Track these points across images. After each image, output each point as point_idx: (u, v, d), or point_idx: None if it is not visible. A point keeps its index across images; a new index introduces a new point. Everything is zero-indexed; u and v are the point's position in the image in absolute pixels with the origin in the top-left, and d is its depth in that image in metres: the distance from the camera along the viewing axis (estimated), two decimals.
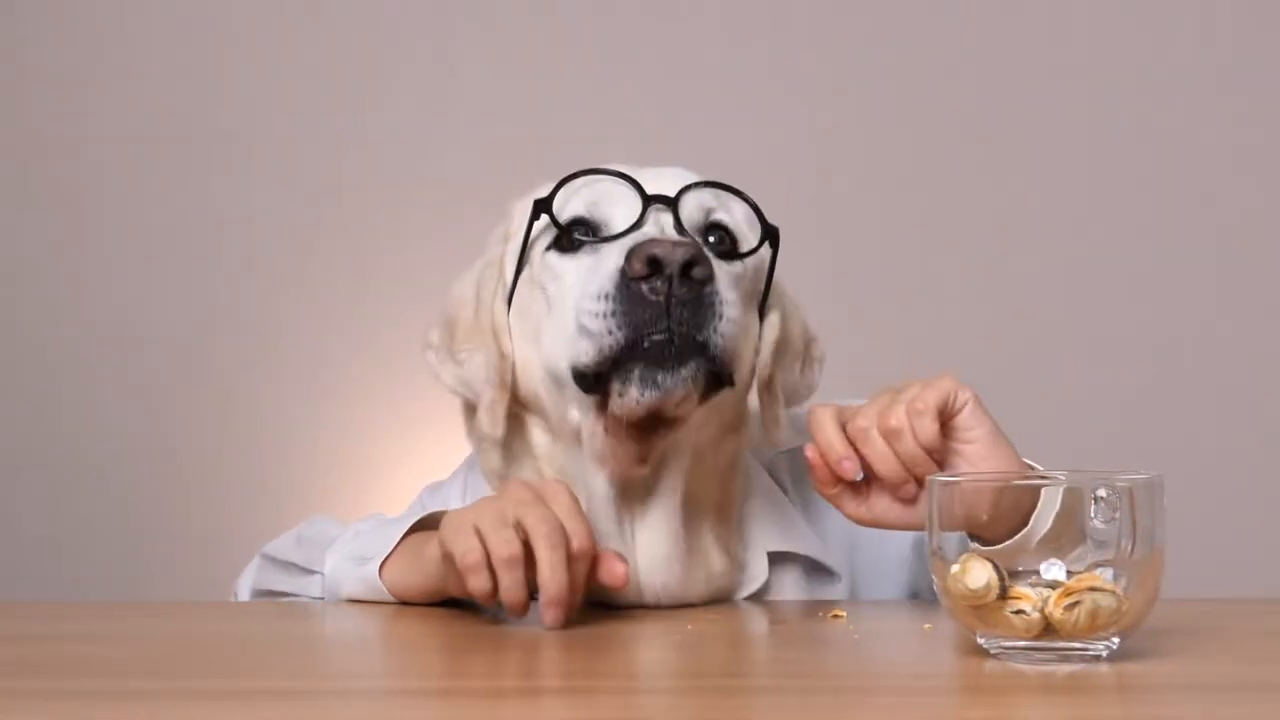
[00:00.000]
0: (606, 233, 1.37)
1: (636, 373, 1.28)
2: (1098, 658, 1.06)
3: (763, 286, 1.42)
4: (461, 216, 2.93)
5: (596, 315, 1.28)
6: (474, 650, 1.22)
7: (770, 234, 1.40)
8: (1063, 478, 1.12)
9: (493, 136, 2.92)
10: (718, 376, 1.30)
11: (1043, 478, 1.16)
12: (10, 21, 2.97)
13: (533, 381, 1.39)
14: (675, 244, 1.27)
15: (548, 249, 1.39)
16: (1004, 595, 1.05)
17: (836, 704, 1.00)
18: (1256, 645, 1.21)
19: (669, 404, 1.29)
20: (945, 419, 1.30)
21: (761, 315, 1.43)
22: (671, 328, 1.26)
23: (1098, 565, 1.06)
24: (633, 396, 1.28)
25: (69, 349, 2.94)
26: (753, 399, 1.45)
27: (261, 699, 1.01)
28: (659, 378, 1.27)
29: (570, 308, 1.32)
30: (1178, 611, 1.21)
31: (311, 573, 1.49)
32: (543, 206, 1.39)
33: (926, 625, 1.27)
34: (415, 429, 2.83)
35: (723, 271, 1.31)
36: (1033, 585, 1.06)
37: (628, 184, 1.37)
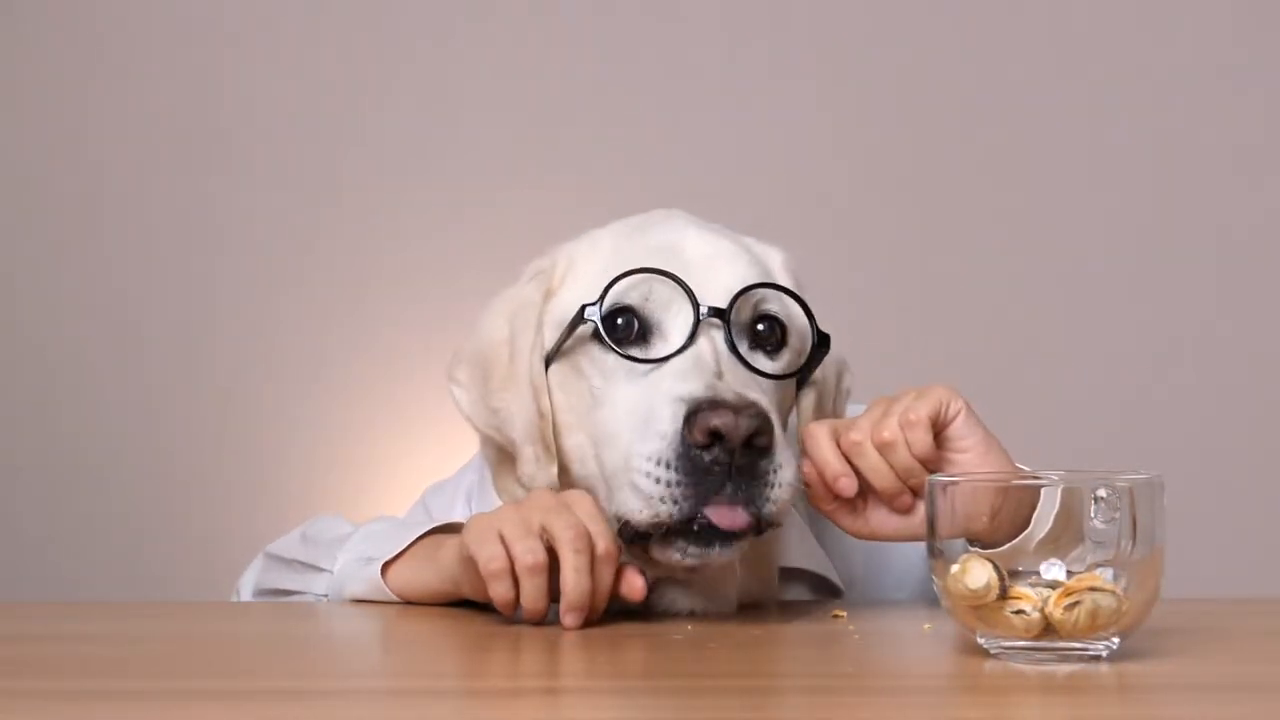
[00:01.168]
0: (658, 339, 1.34)
1: (682, 544, 1.27)
2: (1098, 658, 1.06)
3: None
4: (461, 216, 2.95)
5: (654, 479, 1.25)
6: (478, 650, 1.22)
7: (824, 341, 1.38)
8: (1057, 478, 1.12)
9: (493, 136, 2.92)
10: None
11: (1035, 478, 1.16)
12: (10, 21, 2.97)
13: (576, 463, 1.36)
14: (738, 412, 1.23)
15: (593, 335, 1.35)
16: (1004, 595, 1.05)
17: (837, 704, 1.00)
18: (1256, 645, 1.21)
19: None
20: (938, 429, 1.31)
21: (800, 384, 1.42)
22: (729, 495, 1.24)
23: (1098, 565, 1.06)
24: (675, 559, 1.28)
25: (69, 349, 2.94)
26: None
27: (261, 699, 1.01)
28: (706, 553, 1.27)
29: (622, 447, 1.29)
30: (1178, 611, 1.21)
31: (318, 570, 1.50)
32: (590, 311, 1.34)
33: (926, 625, 1.27)
34: (415, 429, 2.83)
35: (775, 417, 1.28)
36: (1033, 585, 1.06)
37: (681, 288, 1.33)
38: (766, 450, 1.24)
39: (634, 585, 1.28)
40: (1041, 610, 1.04)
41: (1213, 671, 1.07)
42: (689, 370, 1.29)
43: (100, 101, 2.96)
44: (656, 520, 1.25)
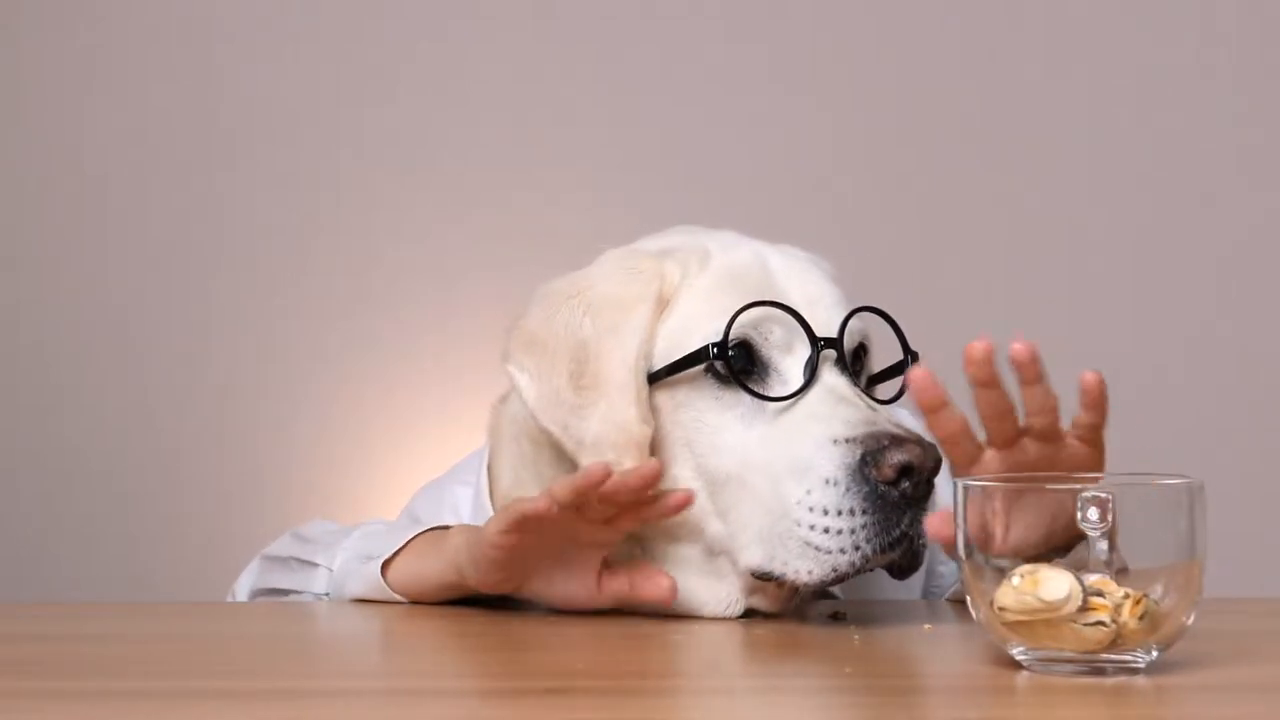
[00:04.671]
0: (775, 378, 1.30)
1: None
2: (1136, 669, 1.02)
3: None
4: (461, 216, 2.95)
5: (834, 532, 1.22)
6: (479, 650, 1.23)
7: (913, 358, 1.38)
8: (1115, 483, 1.06)
9: (493, 136, 2.92)
10: None
11: (1080, 482, 1.09)
12: (10, 21, 2.97)
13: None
14: (924, 447, 1.22)
15: (707, 370, 1.30)
16: (1084, 606, 0.99)
17: (837, 704, 1.00)
18: (1256, 645, 1.21)
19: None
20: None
21: None
22: (905, 529, 1.22)
23: (1119, 572, 1.02)
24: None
25: (69, 349, 2.94)
26: None
27: (261, 699, 1.01)
28: (876, 560, 1.23)
29: (764, 497, 1.25)
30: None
31: (315, 566, 1.49)
32: (720, 354, 1.28)
33: (926, 625, 1.28)
34: (415, 430, 2.83)
35: None
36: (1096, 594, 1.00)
37: (795, 320, 1.30)
38: (932, 483, 1.23)
39: (660, 585, 1.26)
40: (1114, 620, 0.99)
41: (1215, 671, 1.07)
42: (833, 407, 1.27)
43: (98, 100, 2.96)
44: (836, 574, 1.22)
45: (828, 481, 1.22)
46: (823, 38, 2.91)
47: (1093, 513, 1.03)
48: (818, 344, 1.29)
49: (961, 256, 2.88)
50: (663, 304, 1.33)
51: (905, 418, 1.48)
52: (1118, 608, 1.00)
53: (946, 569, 1.55)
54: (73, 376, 2.94)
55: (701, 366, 1.29)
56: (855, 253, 2.85)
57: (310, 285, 2.93)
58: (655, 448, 1.30)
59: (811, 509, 1.22)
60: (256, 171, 2.94)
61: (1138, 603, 1.00)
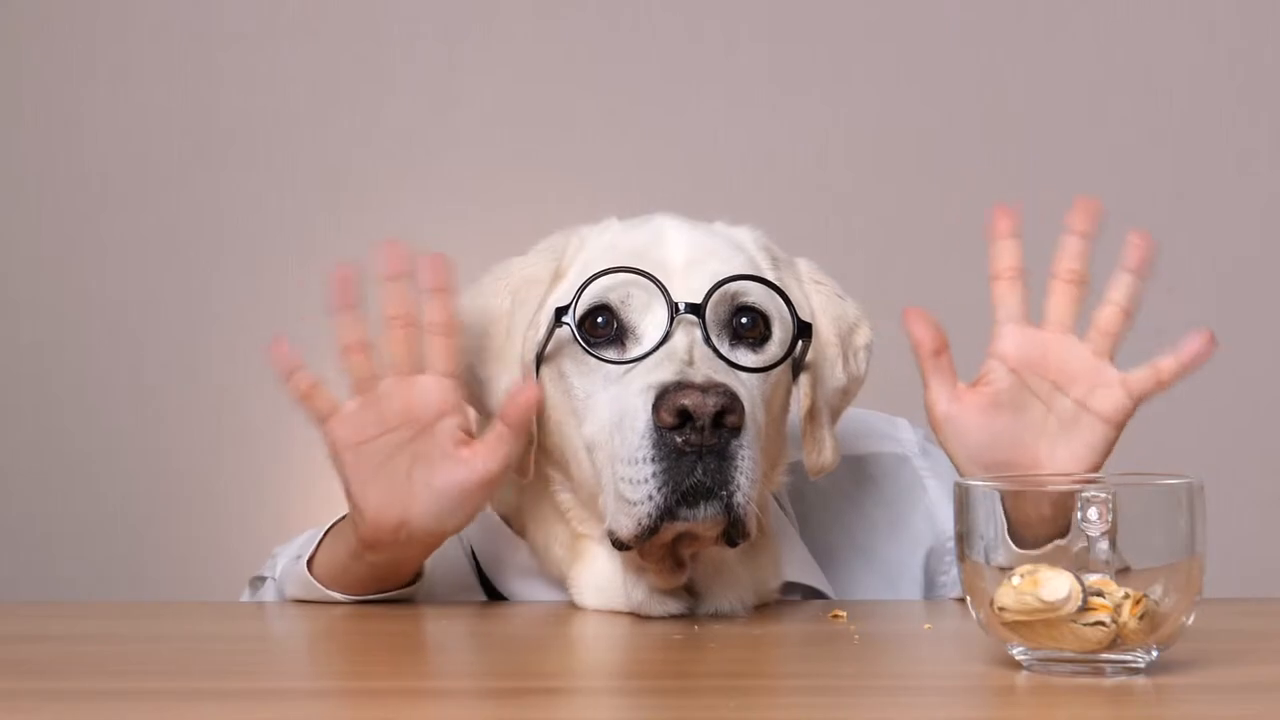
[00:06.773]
0: (633, 342, 1.30)
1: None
2: (1137, 669, 1.02)
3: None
4: (461, 216, 2.95)
5: (634, 482, 1.22)
6: (479, 650, 1.23)
7: (803, 331, 1.35)
8: (1108, 481, 1.07)
9: (494, 137, 2.92)
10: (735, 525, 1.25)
11: (1086, 481, 1.10)
12: (10, 21, 2.97)
13: (574, 465, 1.33)
14: (705, 391, 1.21)
15: (579, 329, 1.31)
16: (1084, 606, 0.98)
17: (837, 704, 1.00)
18: (1257, 645, 1.21)
19: (694, 529, 1.25)
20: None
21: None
22: (699, 479, 1.21)
23: (1118, 571, 1.02)
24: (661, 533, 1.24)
25: (68, 349, 2.94)
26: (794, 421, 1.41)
27: (261, 699, 1.01)
28: (682, 512, 1.22)
29: (606, 455, 1.26)
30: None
31: (264, 579, 1.50)
32: (562, 314, 1.31)
33: (926, 625, 1.28)
34: None
35: (752, 404, 1.25)
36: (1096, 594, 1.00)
37: (657, 287, 1.29)
38: (736, 431, 1.22)
39: (525, 392, 1.27)
40: (1115, 620, 0.99)
41: (1217, 672, 1.07)
42: (660, 363, 1.26)
43: (99, 100, 2.96)
44: (640, 527, 1.22)
45: (634, 431, 1.23)
46: (823, 38, 2.91)
47: (1093, 513, 1.03)
48: (673, 306, 1.28)
49: (961, 256, 2.87)
50: (559, 278, 1.36)
51: (904, 428, 1.48)
52: (1118, 608, 0.99)
53: (948, 578, 1.54)
54: (73, 376, 2.94)
55: (576, 339, 1.30)
56: (855, 252, 2.86)
57: (311, 285, 2.92)
58: (550, 420, 1.33)
59: (622, 460, 1.24)
60: (256, 171, 2.94)
61: (1138, 603, 1.00)
